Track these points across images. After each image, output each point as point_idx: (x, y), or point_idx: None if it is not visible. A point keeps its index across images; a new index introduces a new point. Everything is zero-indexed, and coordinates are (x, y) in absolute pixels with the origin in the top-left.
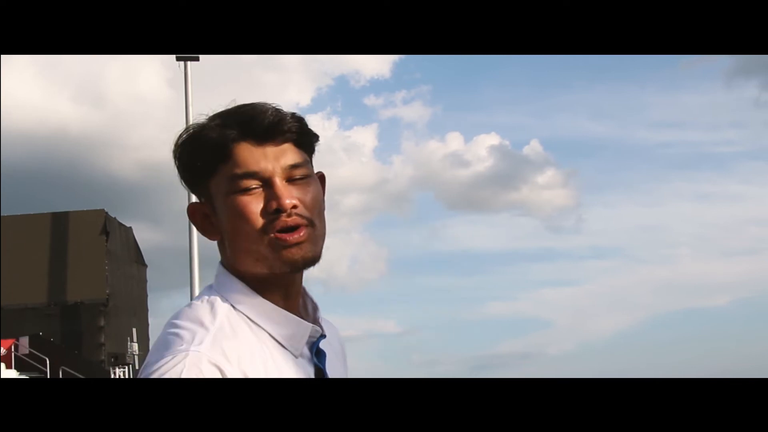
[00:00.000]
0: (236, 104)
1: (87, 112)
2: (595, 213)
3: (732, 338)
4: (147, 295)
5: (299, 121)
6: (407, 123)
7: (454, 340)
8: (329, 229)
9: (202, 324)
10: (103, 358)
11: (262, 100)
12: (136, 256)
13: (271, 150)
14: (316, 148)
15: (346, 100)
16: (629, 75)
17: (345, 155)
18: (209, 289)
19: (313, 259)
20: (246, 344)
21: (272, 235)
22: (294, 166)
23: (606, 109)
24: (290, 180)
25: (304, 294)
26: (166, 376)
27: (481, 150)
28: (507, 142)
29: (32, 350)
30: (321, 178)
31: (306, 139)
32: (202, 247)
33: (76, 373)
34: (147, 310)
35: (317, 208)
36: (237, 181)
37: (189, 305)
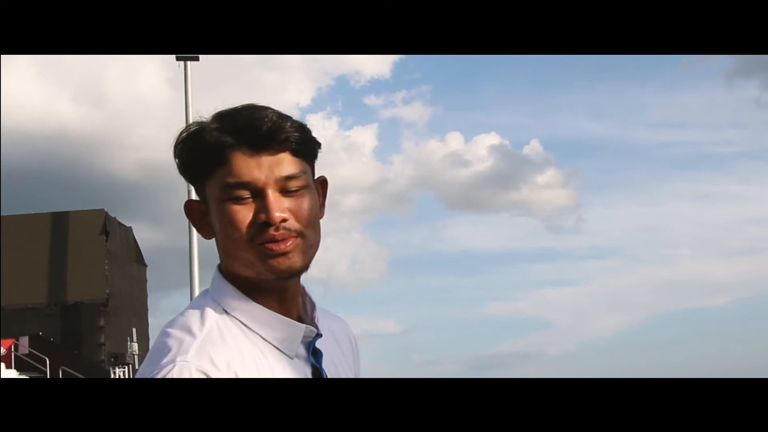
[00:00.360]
0: (240, 105)
1: (87, 112)
2: (595, 213)
3: (732, 338)
4: (147, 295)
5: (299, 129)
6: (407, 123)
7: (454, 340)
8: (330, 229)
9: (190, 331)
10: (103, 358)
11: (262, 100)
12: (136, 256)
13: (266, 159)
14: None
15: (347, 100)
16: (629, 75)
17: (345, 155)
18: (204, 294)
19: (300, 269)
20: (235, 348)
21: (259, 244)
22: (289, 178)
23: (606, 109)
24: (284, 191)
25: (303, 293)
26: None
27: (481, 150)
28: (507, 142)
29: (32, 350)
30: (323, 182)
31: (306, 148)
32: (202, 247)
33: (76, 373)
34: (147, 310)
35: (310, 219)
36: (229, 190)
37: (183, 312)
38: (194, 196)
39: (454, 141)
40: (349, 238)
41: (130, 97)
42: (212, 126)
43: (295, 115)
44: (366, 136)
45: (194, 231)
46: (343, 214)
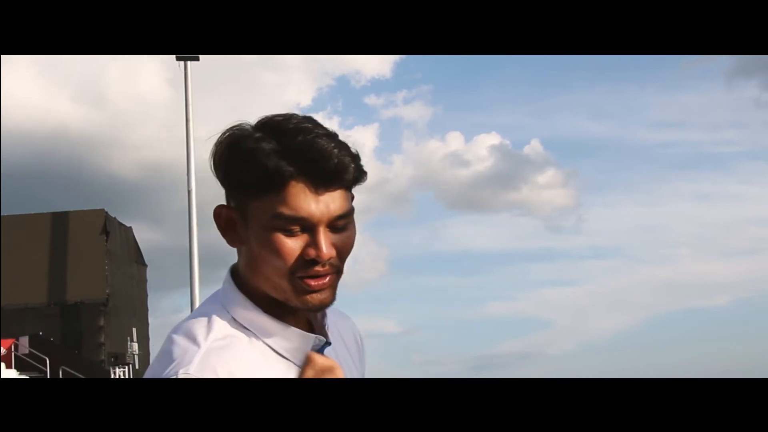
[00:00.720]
0: (291, 118)
1: (87, 112)
2: (595, 213)
3: (732, 338)
4: (147, 295)
5: (358, 168)
6: (408, 123)
7: (454, 340)
8: None
9: (195, 340)
10: (103, 358)
11: (262, 100)
12: (136, 256)
13: (323, 197)
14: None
15: (347, 99)
16: (629, 75)
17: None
18: (214, 299)
19: (331, 304)
20: (241, 356)
21: (299, 277)
22: (341, 217)
23: (606, 109)
24: (333, 228)
25: None
26: None
27: (482, 150)
28: (507, 142)
29: (32, 350)
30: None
31: (357, 182)
32: (202, 247)
33: (76, 373)
34: (147, 310)
35: (349, 253)
36: (281, 221)
37: (190, 317)
38: (194, 195)
39: (455, 141)
40: None
41: (130, 97)
42: (269, 146)
43: None
44: (366, 136)
45: (194, 231)
46: None
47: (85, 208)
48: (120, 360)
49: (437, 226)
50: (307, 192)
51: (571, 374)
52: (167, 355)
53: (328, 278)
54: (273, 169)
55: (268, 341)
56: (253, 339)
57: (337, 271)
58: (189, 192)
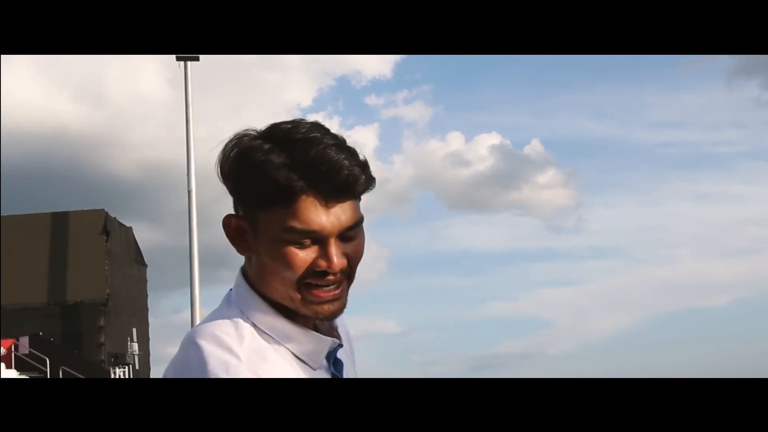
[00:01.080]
0: (300, 126)
1: (87, 111)
2: (595, 213)
3: (732, 338)
4: (147, 295)
5: (368, 178)
6: (408, 123)
7: (454, 340)
8: None
9: (230, 350)
10: (103, 358)
11: (262, 100)
12: (136, 256)
13: (334, 210)
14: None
15: (348, 99)
16: (629, 75)
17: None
18: (228, 303)
19: (339, 313)
20: (274, 364)
21: (309, 288)
22: (352, 227)
23: (606, 109)
24: (344, 238)
25: None
26: None
27: (482, 149)
28: (508, 142)
29: (32, 350)
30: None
31: (366, 191)
32: (202, 247)
33: (76, 373)
34: (147, 310)
35: (360, 259)
36: (293, 234)
37: (211, 322)
38: (194, 195)
39: (455, 141)
40: None
41: (130, 96)
42: (279, 160)
43: (296, 116)
44: (367, 136)
45: (194, 231)
46: None
47: (85, 208)
48: (120, 360)
49: (437, 226)
50: (318, 205)
51: (571, 374)
52: (199, 365)
53: (339, 289)
54: (283, 182)
55: (289, 346)
56: (276, 345)
57: (349, 277)
58: (189, 192)
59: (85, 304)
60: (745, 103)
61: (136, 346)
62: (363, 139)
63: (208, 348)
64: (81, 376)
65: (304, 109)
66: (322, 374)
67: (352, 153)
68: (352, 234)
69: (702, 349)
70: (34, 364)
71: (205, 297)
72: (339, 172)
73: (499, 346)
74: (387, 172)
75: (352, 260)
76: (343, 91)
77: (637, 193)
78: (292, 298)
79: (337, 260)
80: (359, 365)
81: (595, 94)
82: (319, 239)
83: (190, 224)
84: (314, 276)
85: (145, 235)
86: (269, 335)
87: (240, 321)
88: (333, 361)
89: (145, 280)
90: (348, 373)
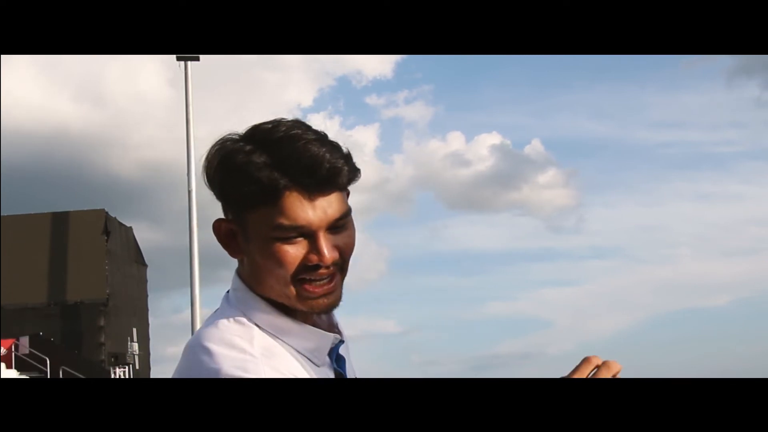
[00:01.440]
0: (279, 126)
1: (87, 111)
2: (595, 213)
3: (732, 338)
4: (147, 295)
5: (350, 166)
6: (408, 122)
7: (454, 340)
8: None
9: (243, 350)
10: (103, 357)
11: (262, 100)
12: (136, 256)
13: (319, 202)
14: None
15: (348, 99)
16: (629, 75)
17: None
18: (229, 305)
19: (336, 306)
20: (285, 360)
21: (302, 284)
22: (340, 219)
23: (606, 109)
24: (333, 229)
25: None
26: None
27: (482, 149)
28: (508, 142)
29: (32, 350)
30: (347, 194)
31: (352, 181)
32: (202, 247)
33: (76, 373)
34: (147, 310)
35: (352, 251)
36: (281, 231)
37: (216, 326)
38: (194, 195)
39: (455, 141)
40: None
41: (131, 96)
42: (260, 160)
43: (297, 116)
44: (367, 136)
45: (194, 231)
46: None
47: (85, 208)
48: (120, 360)
49: (437, 226)
50: (303, 200)
51: None
52: (213, 368)
53: (332, 283)
54: (266, 181)
55: (292, 343)
56: (280, 343)
57: (341, 269)
58: (189, 192)
59: (85, 304)
60: (745, 103)
61: (136, 346)
62: (363, 139)
63: (220, 350)
64: (81, 376)
65: (304, 109)
66: (326, 370)
67: (334, 146)
68: (341, 226)
69: (702, 349)
70: (34, 364)
71: (205, 297)
72: (320, 165)
73: (499, 346)
74: (387, 172)
75: (344, 252)
76: (344, 91)
77: (637, 193)
78: (288, 295)
79: (329, 253)
80: (359, 365)
81: (595, 94)
82: (307, 234)
83: (190, 224)
84: (307, 271)
85: (145, 235)
86: (273, 334)
87: (245, 321)
88: (335, 357)
89: (145, 280)
90: (354, 370)
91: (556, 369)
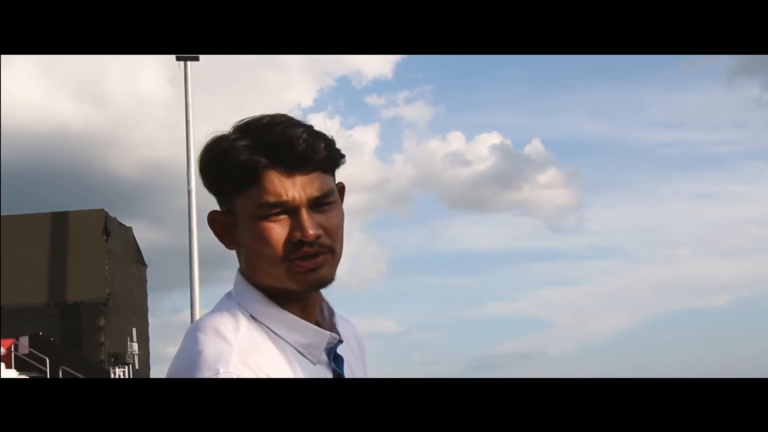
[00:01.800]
0: (264, 116)
1: (87, 111)
2: (595, 213)
3: (732, 338)
4: (147, 295)
5: (329, 148)
6: (409, 122)
7: (454, 340)
8: None
9: (225, 339)
10: (103, 357)
11: (262, 100)
12: (136, 256)
13: (299, 179)
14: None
15: (348, 99)
16: (629, 75)
17: (346, 154)
18: (228, 298)
19: (329, 281)
20: (268, 356)
21: (291, 261)
22: (321, 197)
23: (606, 109)
24: (315, 207)
25: (321, 299)
26: None
27: (483, 149)
28: (508, 142)
29: (32, 350)
30: (341, 189)
31: (334, 164)
32: (202, 247)
33: (76, 373)
34: (147, 310)
35: (339, 233)
36: (265, 209)
37: (210, 315)
38: (194, 195)
39: (456, 140)
40: (349, 237)
41: (131, 96)
42: (243, 143)
43: (297, 116)
44: (367, 136)
45: (194, 231)
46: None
47: (85, 208)
48: (120, 360)
49: (438, 226)
50: (283, 178)
51: (571, 374)
52: (198, 354)
53: (321, 258)
54: (247, 162)
55: (287, 338)
56: (273, 335)
57: (330, 251)
58: (189, 192)
59: (85, 304)
60: (745, 103)
61: (136, 346)
62: (363, 139)
63: (205, 338)
64: (81, 376)
65: (304, 109)
66: (322, 369)
67: (315, 132)
68: (325, 205)
69: (702, 349)
70: (34, 364)
71: (205, 297)
72: (297, 144)
73: (499, 346)
74: (387, 171)
75: (329, 231)
76: (344, 91)
77: (638, 193)
78: (278, 275)
79: (312, 229)
80: (359, 365)
81: (595, 94)
82: (290, 210)
83: (190, 224)
84: (293, 249)
85: (145, 235)
86: (269, 328)
87: (238, 313)
88: (333, 356)
89: (145, 280)
90: (353, 371)
91: (556, 369)
